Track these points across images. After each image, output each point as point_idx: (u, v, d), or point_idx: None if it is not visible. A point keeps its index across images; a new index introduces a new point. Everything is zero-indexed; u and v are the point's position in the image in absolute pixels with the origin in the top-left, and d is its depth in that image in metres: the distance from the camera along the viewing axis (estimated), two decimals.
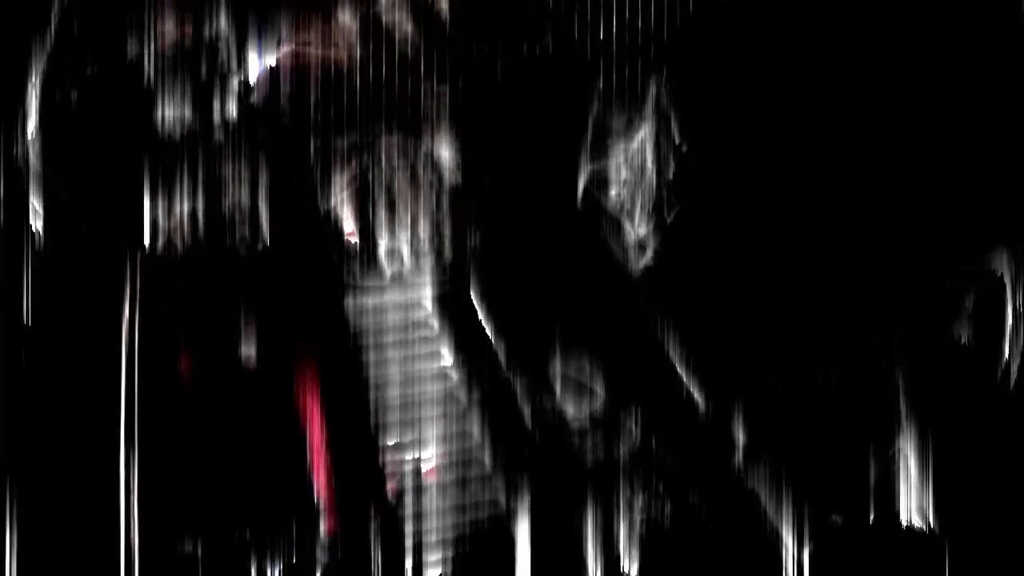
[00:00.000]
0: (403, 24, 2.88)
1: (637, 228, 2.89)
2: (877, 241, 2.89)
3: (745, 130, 2.88)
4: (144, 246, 2.86)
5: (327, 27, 2.89)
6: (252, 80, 2.87)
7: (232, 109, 2.87)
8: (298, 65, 2.88)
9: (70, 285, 2.90)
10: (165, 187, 2.86)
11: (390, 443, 2.92)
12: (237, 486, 2.90)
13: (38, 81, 2.86)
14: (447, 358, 2.93)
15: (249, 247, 2.88)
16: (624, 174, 2.89)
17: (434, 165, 2.89)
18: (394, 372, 2.92)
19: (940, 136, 2.88)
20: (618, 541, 2.91)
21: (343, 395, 2.92)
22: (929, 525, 2.89)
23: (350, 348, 2.92)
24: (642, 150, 2.89)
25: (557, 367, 2.91)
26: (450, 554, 2.92)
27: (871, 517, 2.90)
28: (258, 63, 2.87)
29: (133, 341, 2.88)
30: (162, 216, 2.86)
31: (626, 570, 2.92)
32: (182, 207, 2.87)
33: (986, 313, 2.89)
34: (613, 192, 2.90)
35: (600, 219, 2.90)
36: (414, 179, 2.89)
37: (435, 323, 2.93)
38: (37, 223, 2.88)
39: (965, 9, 2.83)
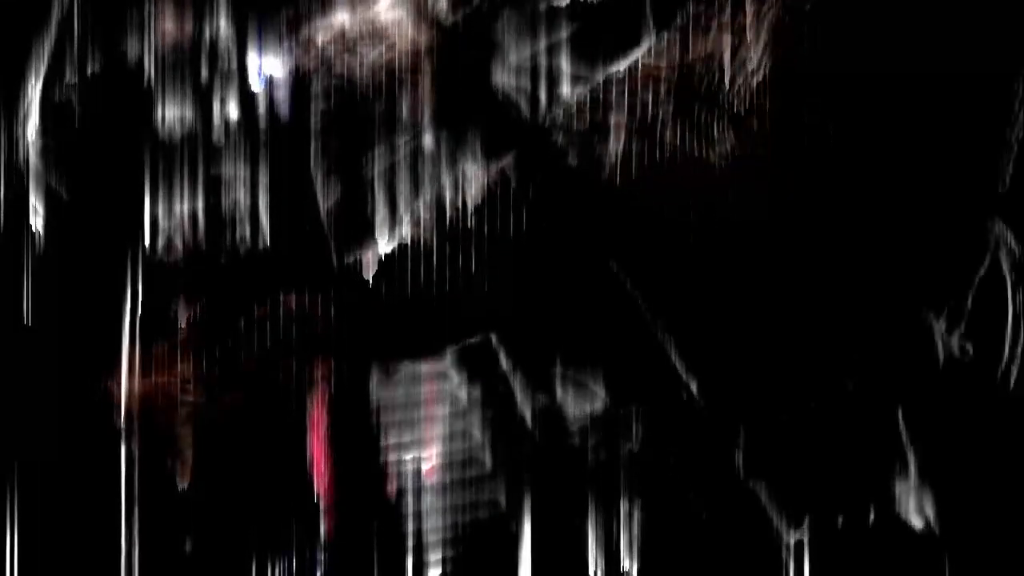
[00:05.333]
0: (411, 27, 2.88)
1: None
2: (875, 242, 2.89)
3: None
4: (144, 246, 2.86)
5: (339, 31, 2.89)
6: (255, 82, 2.88)
7: (232, 109, 2.87)
8: (305, 69, 2.88)
9: (70, 285, 2.90)
10: (165, 187, 2.86)
11: (390, 443, 2.93)
12: (238, 486, 2.90)
13: (38, 81, 2.86)
14: (448, 359, 2.94)
15: (249, 247, 2.88)
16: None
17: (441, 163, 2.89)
18: (395, 372, 2.92)
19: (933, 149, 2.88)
20: (618, 541, 2.92)
21: (344, 396, 2.93)
22: (929, 525, 2.89)
23: (352, 347, 2.92)
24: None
25: (557, 367, 2.91)
26: (450, 554, 2.92)
27: (871, 517, 2.90)
28: (263, 66, 2.87)
29: (134, 341, 2.88)
30: (162, 216, 2.86)
31: (626, 569, 2.92)
32: (183, 207, 2.87)
33: (986, 316, 2.90)
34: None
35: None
36: (416, 177, 2.89)
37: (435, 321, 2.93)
38: (37, 223, 2.89)
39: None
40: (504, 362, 2.91)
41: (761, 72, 2.78)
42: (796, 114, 2.84)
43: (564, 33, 2.85)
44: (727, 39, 2.81)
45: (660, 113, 2.82)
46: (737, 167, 2.84)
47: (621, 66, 2.83)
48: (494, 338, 2.91)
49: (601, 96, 2.84)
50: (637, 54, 2.81)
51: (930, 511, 2.89)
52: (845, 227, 2.88)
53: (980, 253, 2.89)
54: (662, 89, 2.83)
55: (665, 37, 2.82)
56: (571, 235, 2.88)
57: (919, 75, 2.81)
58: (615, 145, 2.83)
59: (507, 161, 2.83)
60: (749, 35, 2.80)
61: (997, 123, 2.87)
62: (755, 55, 2.76)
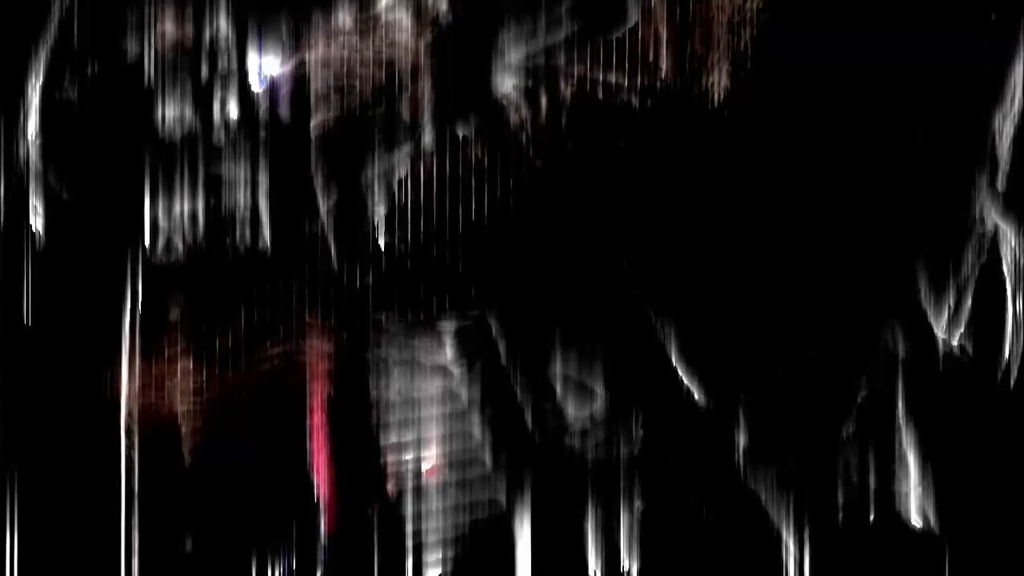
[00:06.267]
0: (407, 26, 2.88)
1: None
2: (873, 239, 2.89)
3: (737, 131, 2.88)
4: (144, 246, 2.86)
5: (336, 31, 2.89)
6: (255, 82, 2.88)
7: (232, 109, 2.87)
8: (304, 69, 2.88)
9: (70, 285, 2.90)
10: (165, 187, 2.86)
11: (390, 443, 2.92)
12: (238, 486, 2.90)
13: (38, 81, 2.86)
14: (449, 358, 2.94)
15: (249, 247, 2.88)
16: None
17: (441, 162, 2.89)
18: (395, 372, 2.92)
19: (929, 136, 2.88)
20: (618, 540, 2.91)
21: (344, 395, 2.92)
22: (929, 524, 2.89)
23: (352, 347, 2.92)
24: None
25: (557, 367, 2.91)
26: (450, 554, 2.92)
27: (871, 517, 2.90)
28: (264, 67, 2.87)
29: (134, 340, 2.88)
30: (162, 216, 2.86)
31: (626, 569, 2.92)
32: (182, 207, 2.87)
33: (986, 314, 2.90)
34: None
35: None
36: (416, 176, 2.89)
37: (436, 320, 2.93)
38: (37, 223, 2.89)
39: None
40: (503, 357, 2.91)
41: None
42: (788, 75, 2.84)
43: (564, 29, 2.85)
44: None
45: (658, 58, 2.82)
46: (732, 113, 2.84)
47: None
48: (494, 329, 2.91)
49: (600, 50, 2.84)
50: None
51: (930, 511, 2.88)
52: (842, 218, 2.88)
53: (980, 252, 2.89)
54: (662, 35, 2.82)
55: None
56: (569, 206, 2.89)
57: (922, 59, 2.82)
58: (610, 98, 2.84)
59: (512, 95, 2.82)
60: None
61: (994, 113, 2.87)
62: None
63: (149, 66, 2.85)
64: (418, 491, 2.92)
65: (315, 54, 2.89)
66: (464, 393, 2.93)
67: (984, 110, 2.87)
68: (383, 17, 2.89)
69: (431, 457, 2.93)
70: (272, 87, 2.88)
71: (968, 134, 2.87)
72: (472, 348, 2.91)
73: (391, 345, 2.92)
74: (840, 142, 2.87)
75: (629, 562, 2.92)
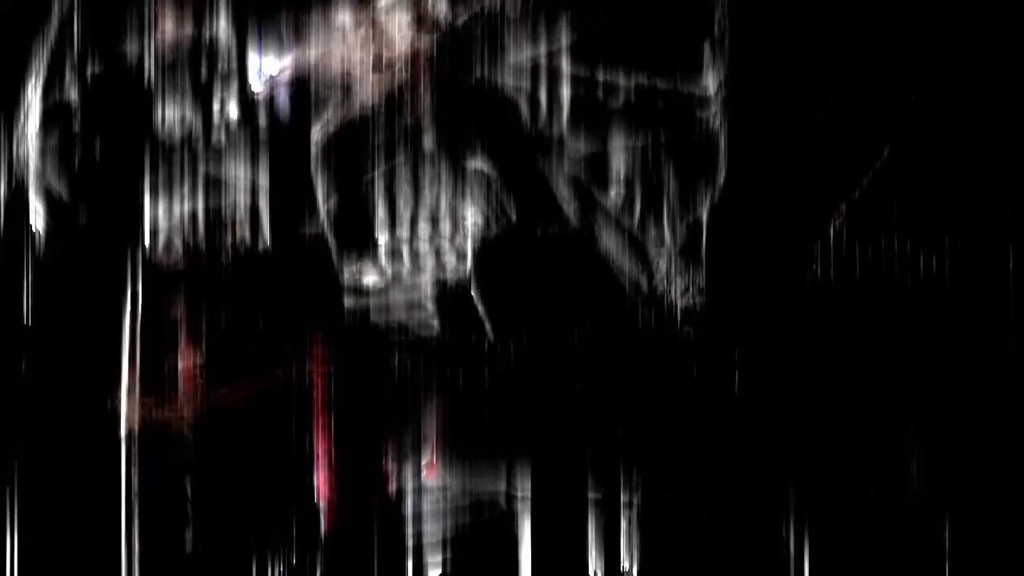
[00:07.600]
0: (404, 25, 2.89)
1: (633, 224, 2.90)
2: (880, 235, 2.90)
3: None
4: (144, 247, 2.87)
5: (332, 31, 2.90)
6: (255, 82, 2.88)
7: (232, 109, 2.87)
8: (302, 68, 2.89)
9: (70, 285, 2.90)
10: (165, 187, 2.87)
11: (390, 443, 2.93)
12: (238, 486, 2.90)
13: (38, 81, 2.87)
14: (447, 356, 2.94)
15: (249, 247, 2.88)
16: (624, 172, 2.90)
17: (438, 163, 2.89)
18: (395, 372, 2.92)
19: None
20: (618, 540, 2.91)
21: (345, 396, 2.93)
22: (930, 517, 2.89)
23: (352, 348, 2.92)
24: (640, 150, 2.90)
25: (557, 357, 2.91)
26: (450, 554, 2.92)
27: (871, 508, 2.90)
28: (264, 67, 2.88)
29: (134, 341, 2.88)
30: (162, 217, 2.87)
31: (626, 569, 2.92)
32: (182, 208, 2.87)
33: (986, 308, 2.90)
34: (612, 191, 2.91)
35: (595, 215, 2.91)
36: (416, 177, 2.89)
37: (435, 322, 2.93)
38: (37, 223, 2.89)
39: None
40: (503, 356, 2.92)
41: None
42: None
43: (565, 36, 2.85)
44: None
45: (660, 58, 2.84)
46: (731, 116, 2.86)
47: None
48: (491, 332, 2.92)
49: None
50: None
51: (932, 504, 2.89)
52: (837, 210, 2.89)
53: (981, 244, 2.90)
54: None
55: None
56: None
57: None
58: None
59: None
60: None
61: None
62: None
63: (149, 66, 2.85)
64: (418, 491, 2.92)
65: (315, 54, 2.89)
66: (464, 392, 2.93)
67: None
68: (383, 17, 2.89)
69: (431, 457, 2.93)
70: (272, 87, 2.89)
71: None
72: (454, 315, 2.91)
73: (391, 346, 2.92)
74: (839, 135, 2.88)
75: (629, 562, 2.92)
